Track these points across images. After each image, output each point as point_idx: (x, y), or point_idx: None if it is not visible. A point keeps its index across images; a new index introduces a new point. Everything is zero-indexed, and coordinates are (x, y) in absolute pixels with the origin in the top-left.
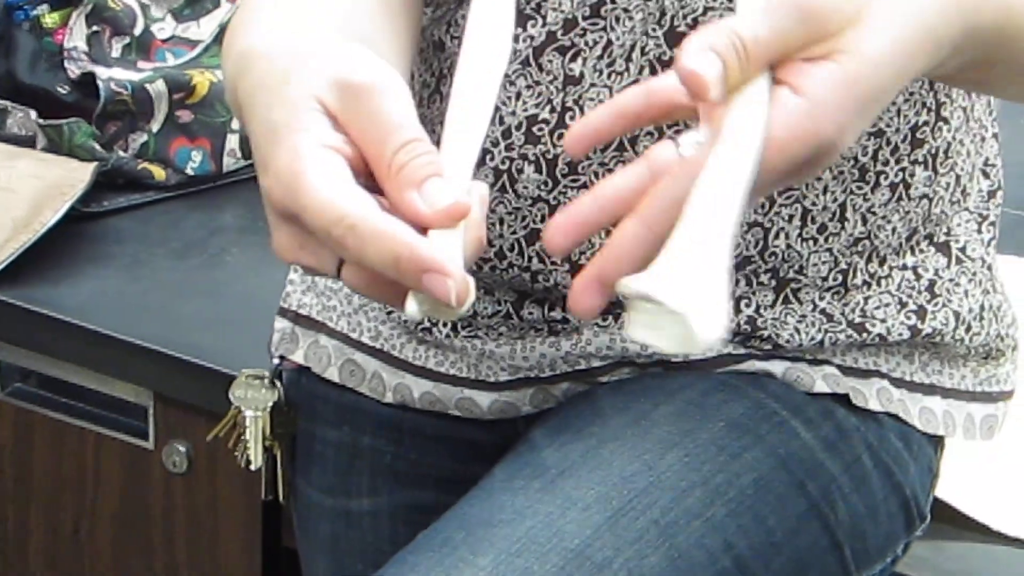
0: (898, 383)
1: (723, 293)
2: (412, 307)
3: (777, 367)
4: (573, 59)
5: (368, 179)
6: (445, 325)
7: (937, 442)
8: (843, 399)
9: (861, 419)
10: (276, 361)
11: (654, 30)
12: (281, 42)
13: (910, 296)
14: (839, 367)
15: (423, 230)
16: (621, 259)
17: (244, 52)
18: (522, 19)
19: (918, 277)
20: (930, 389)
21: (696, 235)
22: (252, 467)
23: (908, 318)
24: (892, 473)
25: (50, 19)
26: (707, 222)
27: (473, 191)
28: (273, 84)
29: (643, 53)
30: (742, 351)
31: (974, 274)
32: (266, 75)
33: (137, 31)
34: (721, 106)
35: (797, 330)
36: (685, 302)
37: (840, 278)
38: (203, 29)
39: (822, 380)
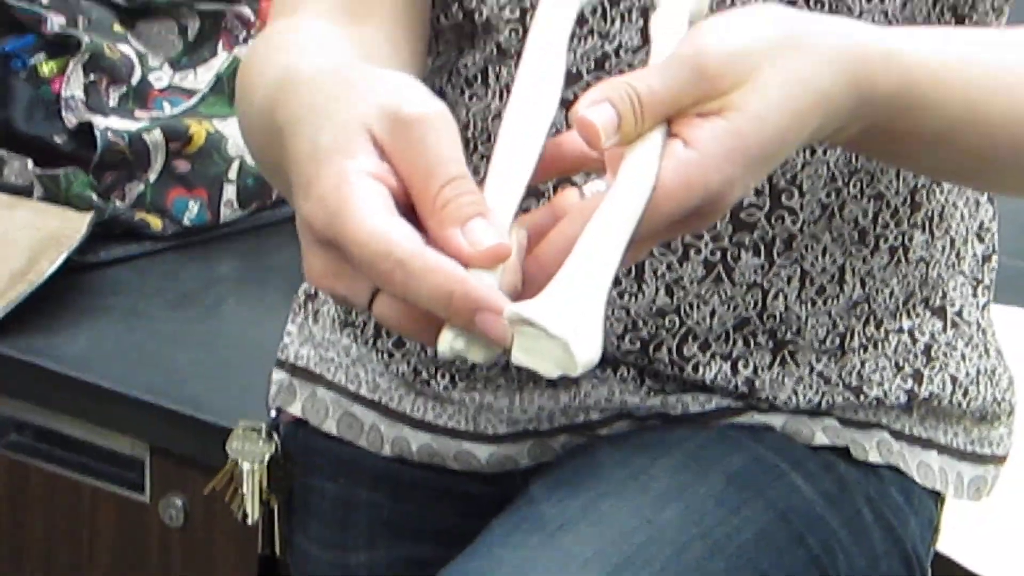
0: (898, 435)
1: (599, 320)
2: (445, 345)
3: (776, 420)
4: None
5: (409, 212)
6: (443, 377)
7: (938, 496)
8: (843, 452)
9: (861, 472)
10: (273, 413)
11: None
12: (328, 67)
13: (906, 360)
14: (839, 419)
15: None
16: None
17: (286, 76)
18: None
19: (914, 341)
20: (927, 444)
21: (579, 268)
22: (249, 520)
23: (905, 382)
24: (893, 527)
25: (47, 68)
26: (591, 257)
27: (513, 236)
28: (321, 108)
29: None
30: (741, 404)
31: (970, 338)
32: (314, 98)
33: (134, 80)
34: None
35: (795, 392)
36: (564, 327)
37: (837, 341)
38: (200, 79)
39: (822, 432)
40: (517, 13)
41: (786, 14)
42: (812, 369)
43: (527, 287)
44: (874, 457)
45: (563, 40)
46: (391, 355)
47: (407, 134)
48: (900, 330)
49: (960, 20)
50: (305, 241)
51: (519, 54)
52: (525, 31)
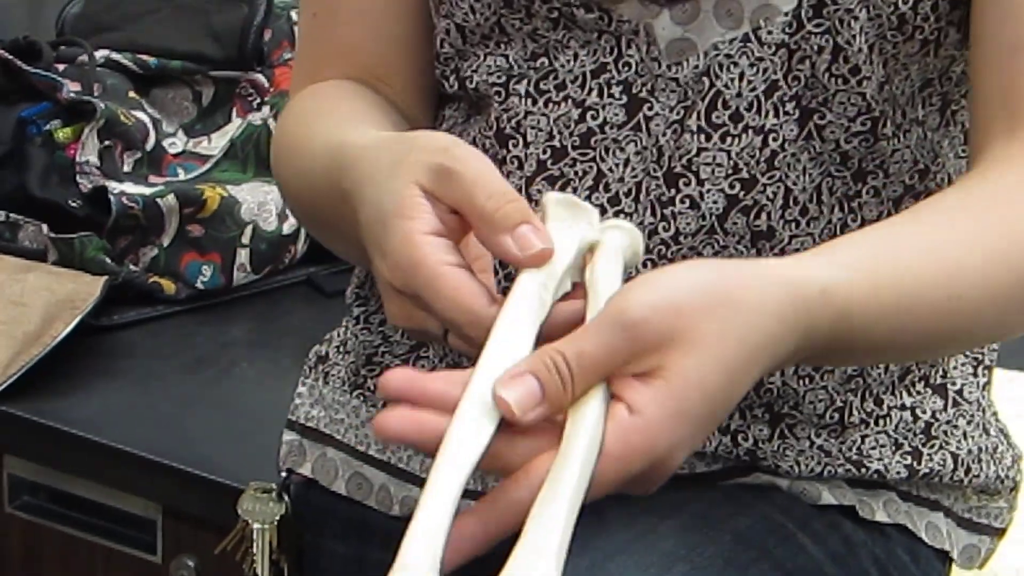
0: (905, 496)
1: None
2: None
3: (783, 480)
4: (563, 190)
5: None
6: None
7: (946, 556)
8: (850, 511)
9: (868, 532)
10: (284, 474)
11: (655, 170)
12: (381, 138)
13: (906, 438)
14: (845, 479)
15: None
16: (459, 550)
17: (341, 147)
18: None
19: (915, 418)
20: (935, 504)
21: (531, 549)
22: None
23: (904, 459)
24: None
25: (62, 134)
26: (542, 536)
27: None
28: (381, 177)
29: (647, 193)
30: (747, 466)
31: (971, 417)
32: (374, 169)
33: (149, 146)
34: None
35: (797, 462)
36: None
37: (836, 416)
38: (214, 144)
39: (828, 492)
40: (503, 79)
41: (715, 267)
42: (812, 443)
43: (470, 549)
44: (881, 516)
45: (548, 299)
46: None
47: (452, 178)
48: (902, 406)
49: (945, 100)
50: (384, 291)
51: (508, 124)
52: (508, 94)
